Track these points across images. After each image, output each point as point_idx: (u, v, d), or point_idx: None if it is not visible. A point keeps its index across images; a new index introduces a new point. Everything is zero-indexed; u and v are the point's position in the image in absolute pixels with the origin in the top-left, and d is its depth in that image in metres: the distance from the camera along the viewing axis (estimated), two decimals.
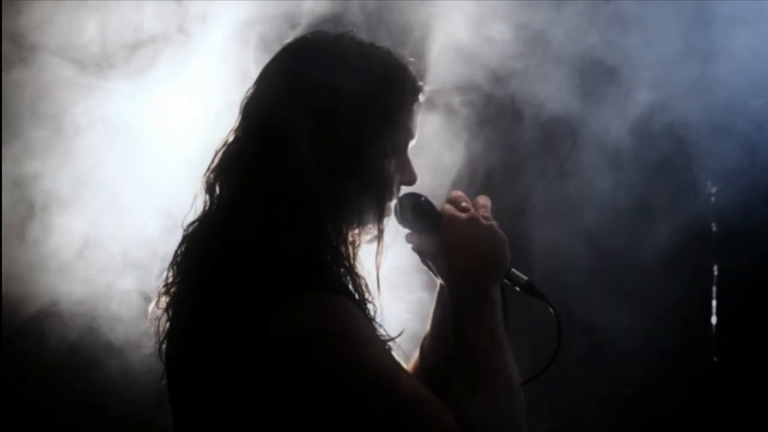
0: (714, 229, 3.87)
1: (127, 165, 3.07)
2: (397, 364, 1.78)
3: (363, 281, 1.89)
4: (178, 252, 1.91)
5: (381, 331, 1.87)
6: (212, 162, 1.93)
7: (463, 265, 1.89)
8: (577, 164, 3.76)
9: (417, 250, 1.99)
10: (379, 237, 1.91)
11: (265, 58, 2.00)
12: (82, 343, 3.19)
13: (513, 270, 1.98)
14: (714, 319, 3.87)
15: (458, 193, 1.98)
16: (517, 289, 1.99)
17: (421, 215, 1.97)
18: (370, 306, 1.89)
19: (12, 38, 3.05)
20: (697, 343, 3.88)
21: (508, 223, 2.02)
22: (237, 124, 1.94)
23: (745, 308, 3.82)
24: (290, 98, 1.85)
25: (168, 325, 1.89)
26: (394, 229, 1.97)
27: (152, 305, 1.92)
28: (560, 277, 3.69)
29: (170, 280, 1.90)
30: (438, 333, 2.06)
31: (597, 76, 3.67)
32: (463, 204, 1.95)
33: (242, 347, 1.71)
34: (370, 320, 1.83)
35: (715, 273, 3.87)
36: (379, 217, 1.90)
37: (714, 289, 3.87)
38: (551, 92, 3.59)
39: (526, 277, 1.98)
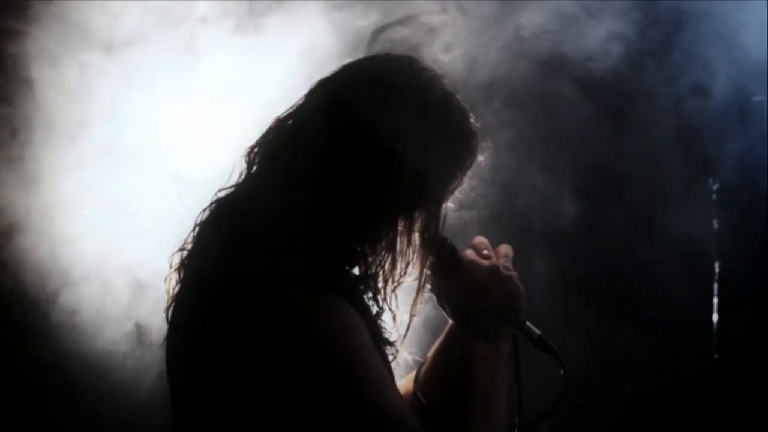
0: (715, 226, 3.86)
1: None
2: (385, 378, 1.75)
3: (378, 302, 1.88)
4: (201, 215, 1.89)
5: (385, 338, 1.88)
6: (261, 135, 1.91)
7: (477, 312, 1.91)
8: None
9: (434, 290, 1.99)
10: (419, 287, 1.90)
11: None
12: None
13: (527, 323, 1.97)
14: (715, 317, 3.86)
15: (481, 239, 1.99)
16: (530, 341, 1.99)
17: (443, 257, 1.96)
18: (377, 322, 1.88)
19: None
20: (698, 340, 3.87)
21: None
22: (297, 105, 1.91)
23: (747, 306, 3.81)
24: (362, 105, 1.82)
25: (177, 287, 1.88)
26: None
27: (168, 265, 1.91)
28: (561, 276, 3.70)
29: (188, 241, 1.89)
30: (436, 366, 2.06)
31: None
32: (485, 251, 1.96)
33: (234, 331, 1.70)
34: (372, 329, 1.82)
35: (717, 270, 3.86)
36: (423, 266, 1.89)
37: (715, 286, 3.86)
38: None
39: (539, 332, 1.98)
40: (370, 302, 1.89)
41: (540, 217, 3.77)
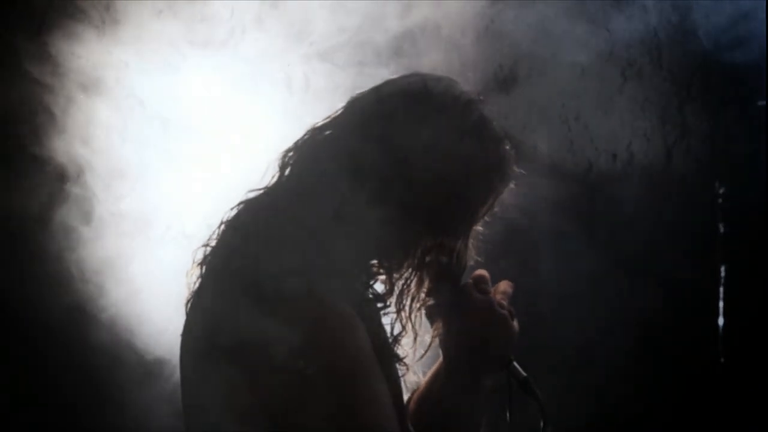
0: (721, 230, 3.87)
1: None
2: (383, 399, 1.74)
3: (402, 320, 1.90)
4: (228, 214, 1.91)
5: (396, 354, 1.90)
6: (297, 141, 1.93)
7: (463, 346, 1.92)
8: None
9: (428, 315, 1.99)
10: (439, 309, 1.92)
11: None
12: None
13: (514, 363, 1.97)
14: (721, 321, 3.87)
15: (483, 272, 1.99)
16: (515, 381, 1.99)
17: (440, 284, 1.96)
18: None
19: None
20: (704, 344, 3.88)
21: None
22: (334, 116, 1.93)
23: (752, 309, 3.82)
24: (397, 124, 1.84)
25: (198, 283, 1.88)
26: None
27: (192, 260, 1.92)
28: (566, 276, 3.70)
29: (212, 238, 1.90)
30: (425, 394, 2.05)
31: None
32: (484, 286, 1.96)
33: (241, 331, 1.70)
34: (382, 345, 1.83)
35: (722, 274, 3.87)
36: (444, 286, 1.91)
37: (721, 290, 3.87)
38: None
39: (525, 374, 1.98)
40: (393, 319, 1.90)
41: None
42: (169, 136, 3.04)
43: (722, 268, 3.87)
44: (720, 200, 3.86)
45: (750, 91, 3.69)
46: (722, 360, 3.87)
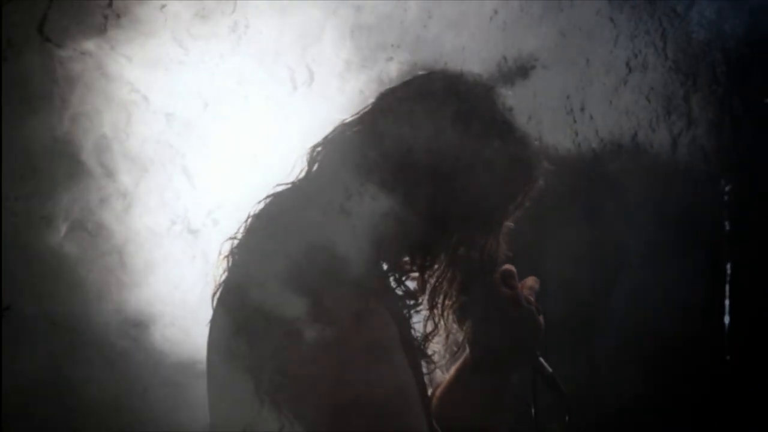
0: (727, 227, 3.86)
1: None
2: (410, 393, 1.74)
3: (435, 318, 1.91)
4: (256, 207, 1.90)
5: (423, 350, 1.89)
6: (326, 136, 1.92)
7: (489, 341, 1.93)
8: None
9: (456, 311, 1.98)
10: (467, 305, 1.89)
11: None
12: None
13: (540, 359, 1.97)
14: (726, 319, 3.86)
15: (510, 267, 1.98)
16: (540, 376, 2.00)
17: (471, 280, 1.95)
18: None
19: None
20: (710, 342, 3.87)
21: None
22: (364, 112, 1.92)
23: (758, 307, 3.81)
24: (426, 120, 1.82)
25: (225, 275, 1.87)
26: None
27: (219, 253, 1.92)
28: (573, 275, 3.68)
29: (239, 231, 1.89)
30: (449, 388, 2.06)
31: None
32: (511, 281, 1.95)
33: (269, 323, 1.70)
34: (409, 341, 1.82)
35: (728, 272, 3.86)
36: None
37: (727, 288, 3.86)
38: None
39: (551, 370, 1.99)
40: (425, 317, 1.89)
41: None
42: (172, 132, 3.02)
43: (728, 266, 3.86)
44: (726, 197, 3.84)
45: (757, 83, 3.66)
46: (728, 358, 3.86)
